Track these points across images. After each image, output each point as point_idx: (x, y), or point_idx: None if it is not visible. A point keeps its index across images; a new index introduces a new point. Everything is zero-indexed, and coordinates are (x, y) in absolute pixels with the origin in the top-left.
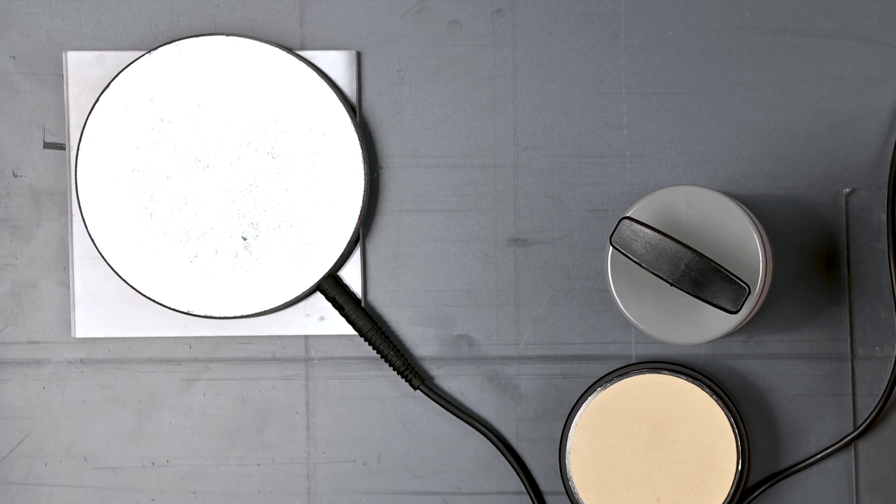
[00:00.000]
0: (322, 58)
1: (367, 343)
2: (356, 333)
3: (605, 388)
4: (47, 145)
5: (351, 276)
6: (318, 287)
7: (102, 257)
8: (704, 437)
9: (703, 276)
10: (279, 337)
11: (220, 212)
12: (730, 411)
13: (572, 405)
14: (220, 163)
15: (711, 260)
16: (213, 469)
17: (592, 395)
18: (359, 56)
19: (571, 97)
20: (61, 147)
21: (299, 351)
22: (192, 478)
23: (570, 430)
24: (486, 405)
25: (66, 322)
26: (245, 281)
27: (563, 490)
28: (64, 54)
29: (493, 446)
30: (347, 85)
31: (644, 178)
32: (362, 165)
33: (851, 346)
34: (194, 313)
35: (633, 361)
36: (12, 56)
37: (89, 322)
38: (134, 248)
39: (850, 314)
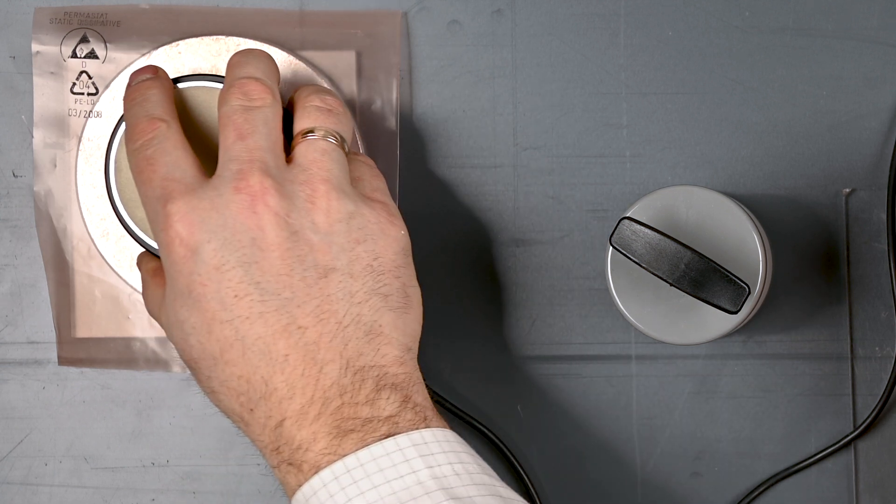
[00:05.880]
0: (322, 58)
1: None
2: None
3: None
4: (47, 145)
5: None
6: None
7: (102, 257)
8: None
9: (703, 276)
10: None
11: None
12: None
13: None
14: None
15: (711, 260)
16: (213, 469)
17: None
18: (358, 56)
19: (571, 97)
20: (61, 147)
21: None
22: (192, 478)
23: (115, 146)
24: (486, 405)
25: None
26: None
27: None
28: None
29: (493, 446)
30: (347, 85)
31: (644, 178)
32: None
33: (851, 346)
34: None
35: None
36: (12, 56)
37: (89, 322)
38: (134, 248)
39: (850, 314)
